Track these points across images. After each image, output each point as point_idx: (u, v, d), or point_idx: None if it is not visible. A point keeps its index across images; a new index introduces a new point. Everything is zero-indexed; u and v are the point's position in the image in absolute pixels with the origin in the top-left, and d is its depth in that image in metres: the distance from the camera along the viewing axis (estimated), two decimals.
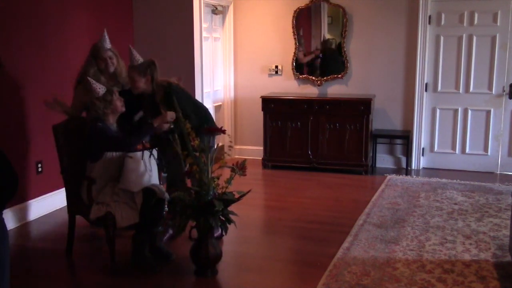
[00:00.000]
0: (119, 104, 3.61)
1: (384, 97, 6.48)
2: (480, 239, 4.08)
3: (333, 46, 6.65)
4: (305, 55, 6.70)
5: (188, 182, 3.87)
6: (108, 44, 4.02)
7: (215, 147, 3.75)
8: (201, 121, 3.86)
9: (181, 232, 3.41)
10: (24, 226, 4.47)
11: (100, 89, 3.54)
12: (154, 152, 3.67)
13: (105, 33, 4.06)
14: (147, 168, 3.57)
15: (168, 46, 5.93)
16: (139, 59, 3.78)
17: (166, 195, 3.57)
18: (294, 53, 6.70)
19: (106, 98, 3.54)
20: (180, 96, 3.73)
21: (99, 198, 3.53)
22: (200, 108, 4.11)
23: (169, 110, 3.71)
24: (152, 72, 3.78)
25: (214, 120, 4.22)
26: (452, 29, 6.21)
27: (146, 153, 3.58)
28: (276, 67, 6.83)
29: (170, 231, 4.02)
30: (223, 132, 3.54)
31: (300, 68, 6.73)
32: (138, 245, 3.57)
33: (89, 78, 3.59)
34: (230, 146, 3.73)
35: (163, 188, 3.64)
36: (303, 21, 6.66)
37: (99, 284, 3.43)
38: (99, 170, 3.53)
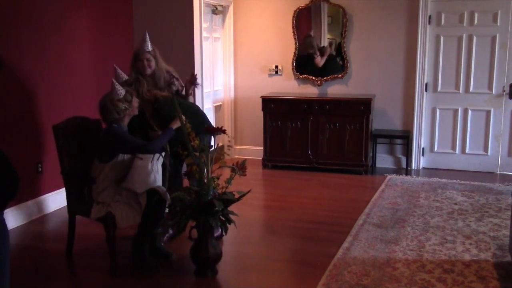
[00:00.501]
0: (136, 106, 3.62)
1: (384, 97, 6.48)
2: (480, 239, 4.08)
3: (333, 46, 6.66)
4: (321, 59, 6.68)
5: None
6: (148, 47, 4.01)
7: (215, 147, 3.74)
8: (198, 126, 3.85)
9: (181, 232, 3.41)
10: (24, 226, 4.47)
11: (121, 90, 3.55)
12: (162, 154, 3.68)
13: (146, 36, 4.05)
14: (154, 170, 3.58)
15: (168, 46, 5.90)
16: (124, 77, 3.78)
17: (168, 197, 3.57)
18: (294, 53, 6.70)
19: (127, 99, 3.55)
20: (169, 107, 3.70)
21: (99, 198, 3.54)
22: (198, 114, 4.09)
23: (159, 125, 3.73)
24: (137, 88, 3.78)
25: (213, 125, 4.21)
26: (452, 29, 6.21)
27: (156, 155, 3.59)
28: (276, 67, 6.83)
29: (170, 231, 4.02)
30: (223, 132, 3.54)
31: (301, 68, 6.73)
32: (139, 245, 3.57)
33: (113, 80, 3.60)
34: (229, 146, 3.72)
35: (165, 190, 3.64)
36: (305, 22, 6.66)
37: (99, 284, 3.43)
38: (108, 171, 3.52)
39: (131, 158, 3.58)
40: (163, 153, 3.69)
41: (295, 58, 6.71)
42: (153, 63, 4.01)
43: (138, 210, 3.52)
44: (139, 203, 3.52)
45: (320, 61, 6.64)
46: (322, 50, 6.64)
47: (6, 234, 2.28)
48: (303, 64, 6.72)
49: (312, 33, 6.66)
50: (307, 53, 6.68)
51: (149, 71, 3.98)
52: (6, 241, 2.27)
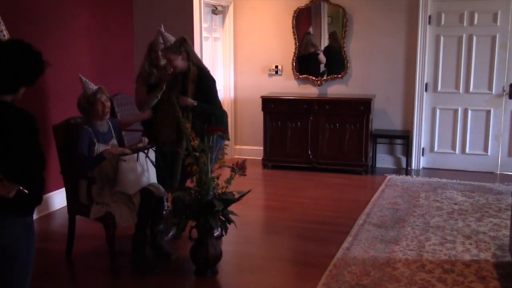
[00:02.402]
0: (100, 109, 3.54)
1: (384, 97, 6.48)
2: (480, 239, 4.08)
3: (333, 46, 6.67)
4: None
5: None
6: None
7: (217, 147, 3.74)
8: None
9: (181, 232, 3.42)
10: None
11: (91, 88, 3.57)
12: (151, 152, 3.65)
13: (161, 28, 4.13)
14: (144, 169, 3.56)
15: None
16: (172, 39, 3.81)
17: (165, 193, 3.56)
18: (294, 53, 6.70)
19: (89, 99, 3.54)
20: (211, 83, 3.81)
21: (98, 198, 3.53)
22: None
23: (197, 92, 3.85)
24: (186, 48, 3.83)
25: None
26: (452, 29, 6.21)
27: (142, 154, 3.56)
28: (276, 67, 6.83)
29: (174, 230, 4.02)
30: (223, 132, 3.55)
31: (302, 67, 6.73)
32: (138, 245, 3.57)
33: (80, 76, 3.62)
34: (225, 145, 3.72)
35: (160, 186, 3.63)
36: (305, 22, 6.65)
37: (99, 284, 3.43)
38: (95, 170, 3.52)
39: (113, 156, 3.53)
40: (146, 151, 3.63)
41: (295, 58, 6.71)
42: None
43: (134, 210, 3.52)
44: (134, 204, 3.51)
45: (323, 57, 6.65)
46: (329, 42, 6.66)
47: (34, 239, 2.27)
48: (305, 63, 6.72)
49: (311, 31, 6.65)
50: (308, 52, 6.68)
51: (163, 62, 4.10)
52: (32, 246, 2.26)
